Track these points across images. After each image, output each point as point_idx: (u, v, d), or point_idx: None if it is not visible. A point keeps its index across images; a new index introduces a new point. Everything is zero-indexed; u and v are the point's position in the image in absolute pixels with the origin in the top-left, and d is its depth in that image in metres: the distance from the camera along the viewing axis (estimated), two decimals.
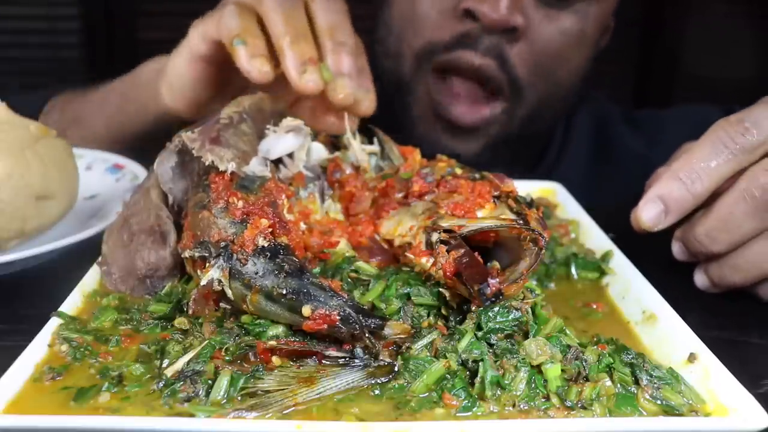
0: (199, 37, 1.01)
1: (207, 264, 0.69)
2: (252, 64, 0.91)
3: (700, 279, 0.88)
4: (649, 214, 0.82)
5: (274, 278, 0.66)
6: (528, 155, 1.55)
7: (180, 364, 0.63)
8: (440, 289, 0.71)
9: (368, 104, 0.97)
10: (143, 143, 1.29)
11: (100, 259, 0.81)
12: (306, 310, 0.64)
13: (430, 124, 1.36)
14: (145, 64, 1.24)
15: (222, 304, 0.71)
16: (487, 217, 0.75)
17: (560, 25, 1.30)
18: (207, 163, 0.76)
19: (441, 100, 1.33)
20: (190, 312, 0.70)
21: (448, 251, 0.70)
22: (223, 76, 1.05)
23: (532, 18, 1.27)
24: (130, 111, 1.25)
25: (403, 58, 1.37)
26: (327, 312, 0.63)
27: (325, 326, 0.63)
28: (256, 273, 0.67)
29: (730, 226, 0.80)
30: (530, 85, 1.32)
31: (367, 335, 0.63)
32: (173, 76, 1.08)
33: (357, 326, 0.63)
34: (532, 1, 1.26)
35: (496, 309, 0.67)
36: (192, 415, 0.57)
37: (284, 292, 0.65)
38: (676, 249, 0.90)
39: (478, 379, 0.62)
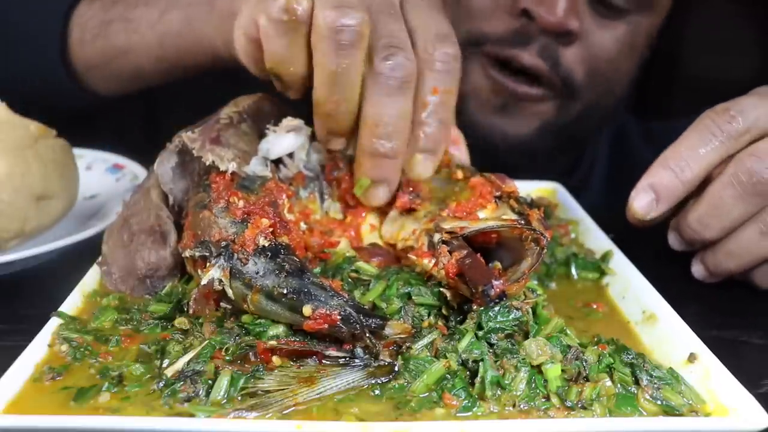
0: (248, 17, 0.81)
1: (208, 264, 0.69)
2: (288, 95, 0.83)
3: (697, 269, 0.89)
4: (640, 202, 0.84)
5: (274, 278, 0.66)
6: (564, 160, 1.54)
7: (180, 364, 0.63)
8: (441, 289, 0.71)
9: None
10: (189, 76, 1.20)
11: (100, 259, 0.81)
12: (306, 309, 0.64)
13: (482, 104, 1.33)
14: None
15: (222, 304, 0.71)
16: (489, 218, 0.75)
17: (614, 34, 1.31)
18: (208, 163, 0.76)
19: (498, 77, 1.30)
20: (191, 312, 0.70)
21: (450, 252, 0.70)
22: None
23: (588, 24, 1.28)
24: (192, 42, 1.09)
25: None
26: (327, 311, 0.63)
27: (326, 326, 0.63)
28: (257, 272, 0.67)
29: (721, 212, 0.82)
30: (586, 87, 1.33)
31: (367, 335, 0.63)
32: (239, 45, 0.87)
33: (357, 326, 0.63)
34: (587, 9, 1.27)
35: (496, 309, 0.67)
36: (192, 415, 0.57)
37: (285, 291, 0.65)
38: (672, 239, 0.91)
39: (478, 379, 0.62)
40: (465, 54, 1.30)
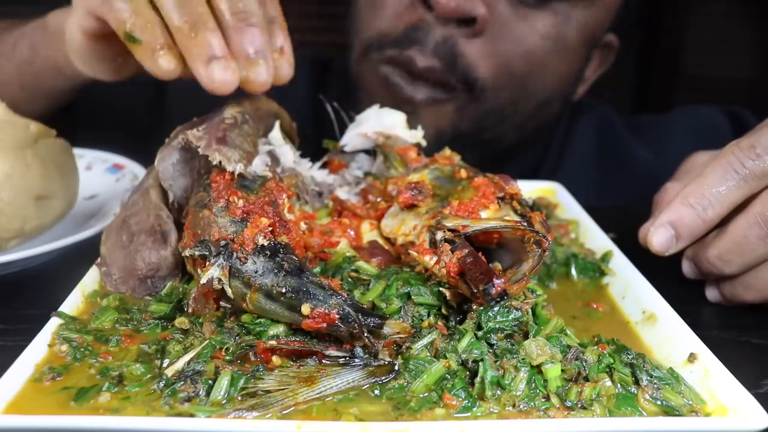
0: (83, 12, 0.89)
1: (207, 263, 0.69)
2: (154, 65, 0.81)
3: (711, 294, 0.88)
4: (660, 239, 0.83)
5: (273, 277, 0.66)
6: (495, 163, 1.48)
7: (180, 363, 0.63)
8: (440, 289, 0.71)
9: (285, 74, 0.87)
10: (60, 103, 1.24)
11: (98, 260, 0.81)
12: (305, 308, 0.64)
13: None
14: (55, 13, 1.13)
15: (222, 303, 0.71)
16: (491, 218, 0.75)
17: (534, 25, 1.21)
18: (214, 163, 0.76)
19: (396, 80, 1.25)
20: (190, 311, 0.70)
21: (452, 250, 0.70)
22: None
23: (500, 13, 1.19)
24: (39, 65, 1.16)
25: (353, 51, 1.32)
26: (326, 310, 0.63)
27: (324, 325, 0.63)
28: (256, 272, 0.67)
29: (744, 250, 0.80)
30: (492, 86, 1.24)
31: (366, 334, 0.63)
32: (72, 43, 0.96)
33: (356, 325, 0.63)
34: None
35: (496, 309, 0.67)
36: (192, 415, 0.57)
37: (283, 290, 0.65)
38: (687, 268, 0.90)
39: (478, 379, 0.62)
40: (365, 61, 1.28)
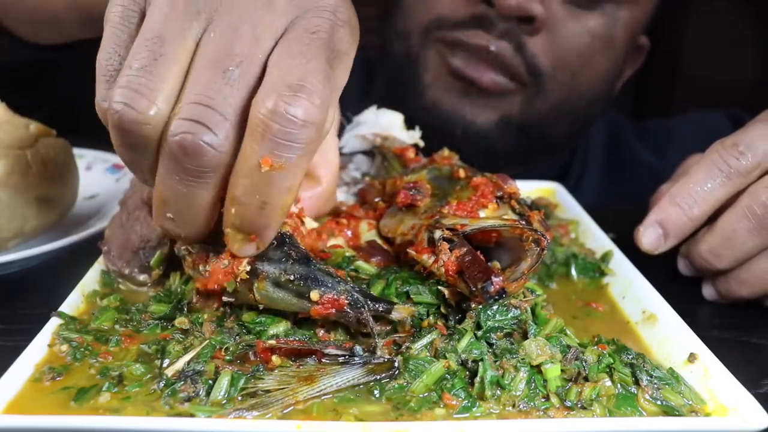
0: None
1: (210, 257, 0.68)
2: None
3: (708, 291, 0.88)
4: (648, 238, 0.84)
5: (281, 265, 0.66)
6: (542, 161, 1.49)
7: (180, 363, 0.63)
8: (439, 287, 0.71)
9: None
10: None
11: (101, 241, 0.82)
12: (314, 294, 0.64)
13: (444, 88, 1.30)
14: None
15: (225, 298, 0.70)
16: (490, 216, 0.75)
17: (586, 25, 1.26)
18: None
19: (456, 63, 1.27)
20: (195, 300, 0.70)
21: (450, 249, 0.70)
22: None
23: (556, 12, 1.23)
24: None
25: (411, 35, 1.33)
26: (335, 296, 0.64)
27: (333, 311, 0.64)
28: (263, 260, 0.67)
29: (734, 244, 0.81)
30: (553, 79, 1.28)
31: (370, 323, 0.64)
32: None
33: (364, 310, 0.63)
34: None
35: (495, 308, 0.67)
36: (192, 415, 0.57)
37: (292, 278, 0.65)
38: (682, 265, 0.91)
39: (477, 379, 0.62)
40: (426, 43, 1.30)
